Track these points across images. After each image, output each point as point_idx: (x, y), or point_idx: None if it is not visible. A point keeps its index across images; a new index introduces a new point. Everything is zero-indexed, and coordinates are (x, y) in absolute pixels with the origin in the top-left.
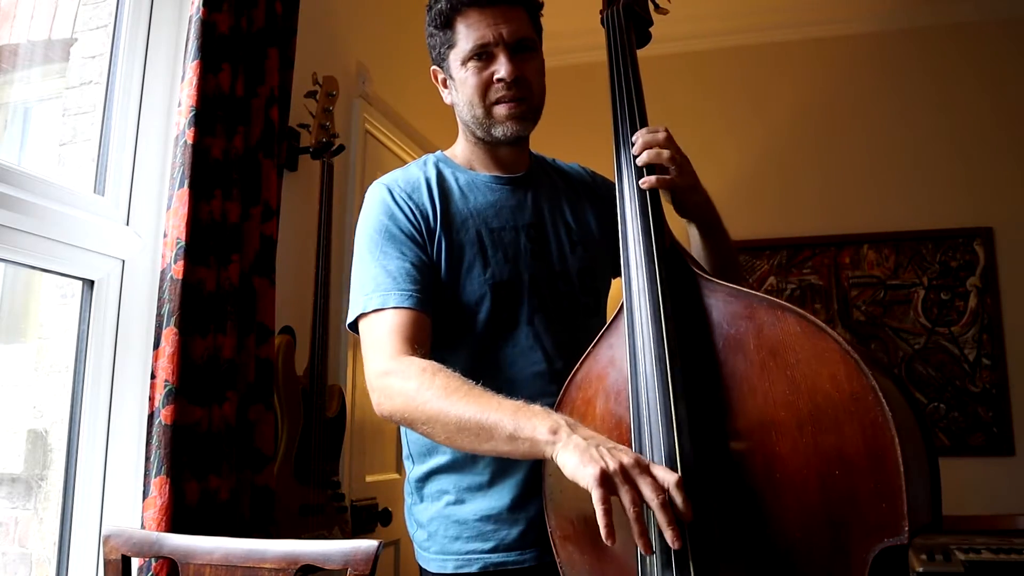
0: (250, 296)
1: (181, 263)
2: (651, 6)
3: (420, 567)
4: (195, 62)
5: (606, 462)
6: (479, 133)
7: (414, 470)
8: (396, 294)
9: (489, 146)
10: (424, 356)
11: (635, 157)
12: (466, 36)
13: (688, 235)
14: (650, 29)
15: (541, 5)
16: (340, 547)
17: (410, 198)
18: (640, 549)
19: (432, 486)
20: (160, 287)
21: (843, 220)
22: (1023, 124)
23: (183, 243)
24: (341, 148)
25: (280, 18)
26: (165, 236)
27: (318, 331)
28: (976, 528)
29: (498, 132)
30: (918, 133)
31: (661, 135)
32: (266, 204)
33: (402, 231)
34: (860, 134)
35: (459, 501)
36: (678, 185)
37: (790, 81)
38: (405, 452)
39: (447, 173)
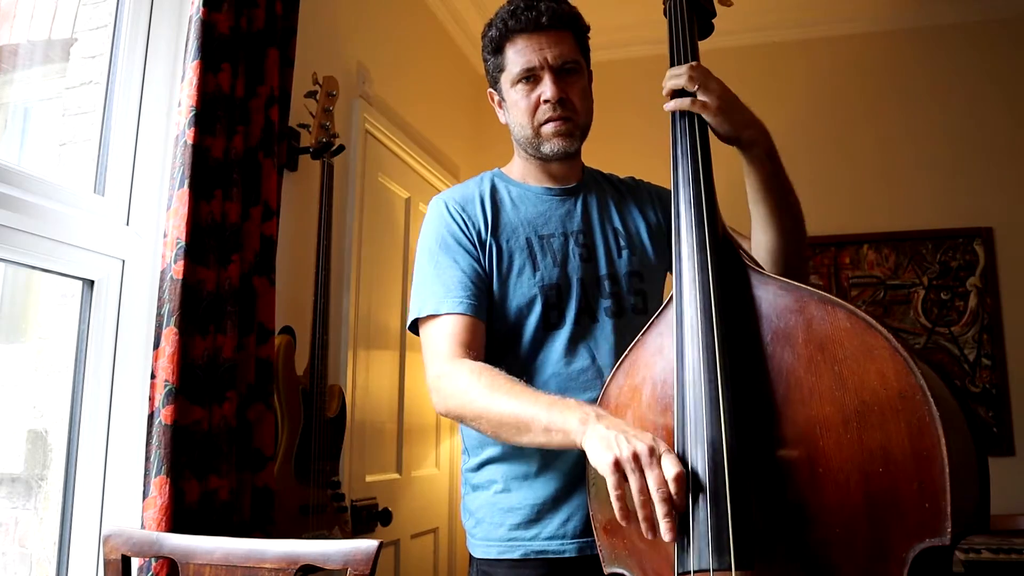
0: (250, 296)
1: (181, 263)
2: None
3: (470, 555)
4: (195, 62)
5: (620, 450)
6: (530, 151)
7: (469, 462)
8: (449, 301)
9: (541, 162)
10: (476, 358)
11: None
12: (514, 61)
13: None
14: (713, 20)
15: (587, 28)
16: (340, 547)
17: (463, 210)
18: (644, 531)
19: (483, 475)
20: (160, 287)
21: (843, 220)
22: (1023, 124)
23: (183, 243)
24: (341, 148)
25: (280, 18)
26: (165, 236)
27: (318, 331)
28: None
29: (546, 149)
30: (918, 133)
31: (686, 67)
32: (266, 204)
33: (456, 241)
34: (860, 134)
35: (506, 490)
36: (704, 107)
37: (789, 82)
38: (463, 446)
39: (501, 187)
